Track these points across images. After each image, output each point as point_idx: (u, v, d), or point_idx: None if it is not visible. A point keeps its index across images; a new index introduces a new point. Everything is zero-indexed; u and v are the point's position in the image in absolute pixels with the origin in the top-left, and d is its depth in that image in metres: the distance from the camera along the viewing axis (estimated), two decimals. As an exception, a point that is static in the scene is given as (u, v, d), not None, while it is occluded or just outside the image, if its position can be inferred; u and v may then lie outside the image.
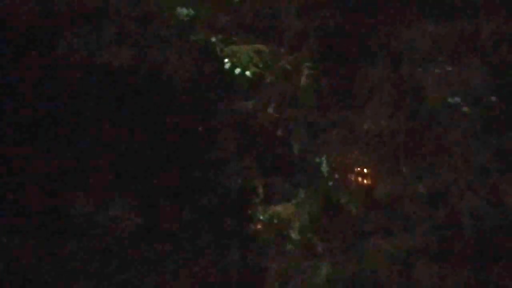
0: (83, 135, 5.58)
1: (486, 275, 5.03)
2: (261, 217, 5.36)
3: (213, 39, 5.53)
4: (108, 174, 5.55)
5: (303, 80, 5.42)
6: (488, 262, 5.06)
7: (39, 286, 5.39)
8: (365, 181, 5.32)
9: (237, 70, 5.46)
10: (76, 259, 5.38)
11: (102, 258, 5.38)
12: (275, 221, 5.32)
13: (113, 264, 5.36)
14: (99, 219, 5.45)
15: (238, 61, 5.47)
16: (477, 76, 5.21)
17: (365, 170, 5.33)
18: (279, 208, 5.33)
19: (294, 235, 5.29)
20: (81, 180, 5.54)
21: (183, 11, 5.59)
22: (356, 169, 5.34)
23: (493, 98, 5.26)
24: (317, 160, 5.37)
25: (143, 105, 5.58)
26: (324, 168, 5.35)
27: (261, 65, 5.46)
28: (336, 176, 5.35)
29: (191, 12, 5.59)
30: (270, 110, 5.47)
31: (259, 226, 5.38)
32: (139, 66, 5.58)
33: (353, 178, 5.34)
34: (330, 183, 5.33)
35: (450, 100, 5.28)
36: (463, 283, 5.07)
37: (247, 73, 5.46)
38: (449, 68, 5.30)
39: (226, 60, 5.49)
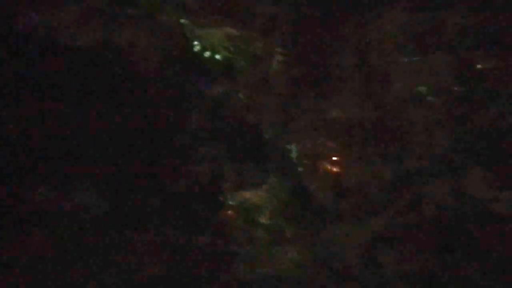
0: (44, 119, 5.40)
1: (445, 260, 5.30)
2: (231, 203, 5.41)
3: (183, 21, 5.43)
4: (72, 160, 5.42)
5: (274, 65, 5.43)
6: (447, 247, 5.32)
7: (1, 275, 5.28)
8: (333, 168, 5.44)
9: (207, 54, 5.40)
10: (40, 247, 5.28)
11: (67, 246, 5.30)
12: (245, 207, 5.39)
13: (79, 252, 5.29)
14: (63, 206, 5.34)
15: (208, 44, 5.41)
16: (443, 66, 5.37)
17: (334, 157, 5.45)
18: (249, 194, 5.40)
19: (263, 220, 5.38)
20: (44, 166, 5.39)
21: (152, -10, 5.45)
22: (325, 156, 5.45)
23: (457, 88, 5.44)
24: (287, 146, 5.44)
25: (109, 88, 5.44)
26: (294, 154, 5.43)
27: (231, 49, 5.42)
28: (306, 162, 5.44)
29: (160, -9, 5.46)
30: (240, 95, 5.46)
31: (229, 212, 5.43)
32: (104, 46, 5.41)
33: (322, 165, 5.45)
34: (300, 170, 5.43)
35: (416, 89, 5.43)
36: (423, 267, 5.33)
37: (217, 56, 5.41)
38: (416, 58, 5.42)
39: (195, 42, 5.42)
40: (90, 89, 5.51)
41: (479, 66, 5.37)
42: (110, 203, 5.41)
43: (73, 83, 5.50)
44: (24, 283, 5.27)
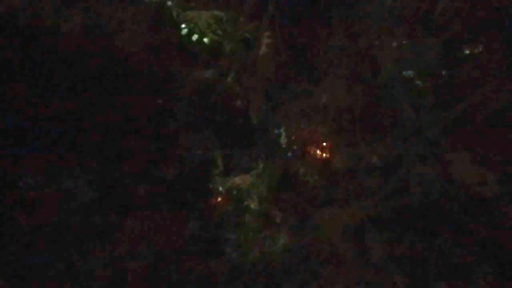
0: (30, 105, 5.28)
1: (432, 243, 5.40)
2: (220, 189, 5.40)
3: (169, 3, 5.33)
4: (59, 145, 5.33)
5: (263, 49, 5.37)
6: (434, 230, 5.42)
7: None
8: (322, 153, 5.46)
9: (195, 37, 5.32)
10: (26, 233, 5.22)
11: (54, 232, 5.25)
12: (234, 192, 5.39)
13: (65, 238, 5.24)
14: (50, 192, 5.27)
15: (196, 27, 5.31)
16: (430, 50, 5.38)
17: (322, 142, 5.45)
18: (238, 179, 5.40)
19: (253, 206, 5.40)
20: (30, 151, 5.29)
21: (137, -28, 5.32)
22: (314, 141, 5.45)
23: (444, 73, 5.47)
24: (276, 132, 5.42)
25: (95, 73, 5.33)
26: (283, 140, 5.43)
27: (219, 33, 5.34)
28: (295, 148, 5.44)
29: (146, -27, 5.33)
30: (229, 79, 5.40)
31: (218, 198, 5.42)
32: (90, 30, 5.29)
33: (311, 150, 5.46)
34: (289, 155, 5.43)
35: (404, 73, 5.44)
36: (410, 250, 5.42)
37: (205, 40, 5.33)
38: (405, 42, 5.42)
39: (183, 25, 5.32)
40: (76, 75, 5.39)
41: (466, 51, 5.39)
42: (99, 190, 5.36)
43: (59, 69, 5.38)
44: (10, 269, 5.22)
